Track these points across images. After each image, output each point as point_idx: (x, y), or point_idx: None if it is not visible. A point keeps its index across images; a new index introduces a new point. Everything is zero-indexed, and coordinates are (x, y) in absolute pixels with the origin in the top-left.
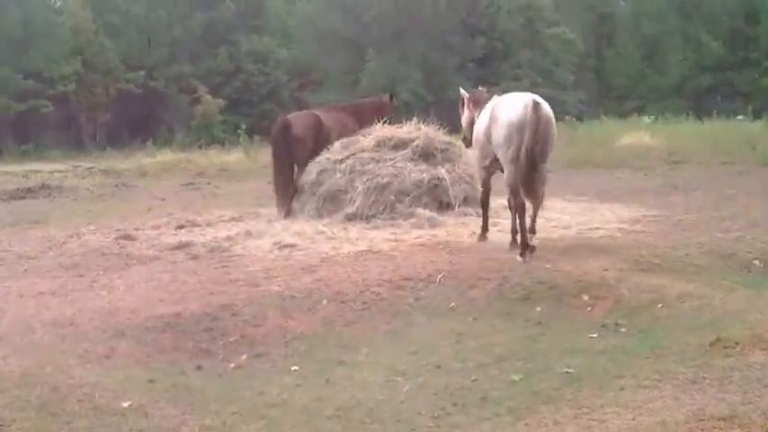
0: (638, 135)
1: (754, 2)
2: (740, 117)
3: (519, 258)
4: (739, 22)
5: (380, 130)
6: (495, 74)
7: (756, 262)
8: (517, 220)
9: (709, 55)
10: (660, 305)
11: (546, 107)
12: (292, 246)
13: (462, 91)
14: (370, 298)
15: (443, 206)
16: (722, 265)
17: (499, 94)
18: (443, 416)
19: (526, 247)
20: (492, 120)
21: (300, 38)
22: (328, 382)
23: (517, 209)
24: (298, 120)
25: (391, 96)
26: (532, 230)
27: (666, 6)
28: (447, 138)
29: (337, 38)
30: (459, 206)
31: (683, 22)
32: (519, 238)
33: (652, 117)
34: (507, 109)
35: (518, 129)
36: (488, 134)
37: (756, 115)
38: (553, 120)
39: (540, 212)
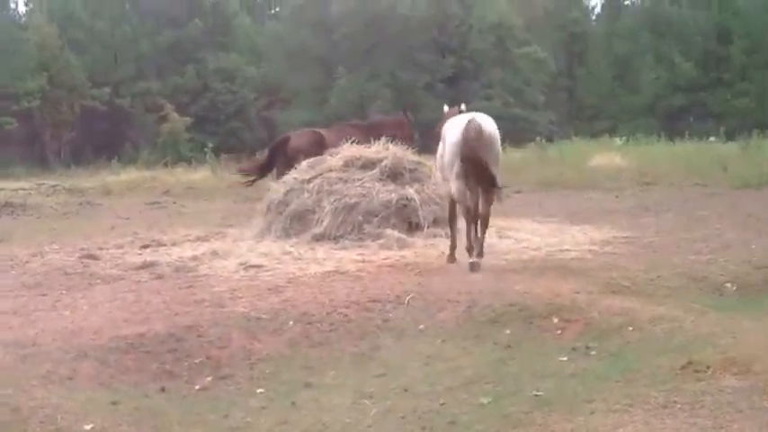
0: (609, 156)
1: (727, 22)
2: (712, 138)
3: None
4: (712, 42)
5: (348, 150)
6: (466, 93)
7: (729, 285)
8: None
9: (681, 75)
10: (631, 328)
11: (487, 127)
12: (259, 266)
13: (446, 108)
14: (337, 319)
15: (412, 227)
16: (694, 288)
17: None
18: None
19: (454, 250)
20: (443, 139)
21: (269, 55)
22: (294, 405)
23: (452, 219)
24: (298, 136)
25: (406, 113)
26: (480, 252)
27: (639, 26)
28: (416, 158)
29: (306, 55)
30: (428, 227)
31: (656, 41)
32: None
33: (623, 138)
34: (453, 129)
35: (462, 148)
36: (443, 154)
37: (729, 136)
38: (495, 138)
39: (509, 233)
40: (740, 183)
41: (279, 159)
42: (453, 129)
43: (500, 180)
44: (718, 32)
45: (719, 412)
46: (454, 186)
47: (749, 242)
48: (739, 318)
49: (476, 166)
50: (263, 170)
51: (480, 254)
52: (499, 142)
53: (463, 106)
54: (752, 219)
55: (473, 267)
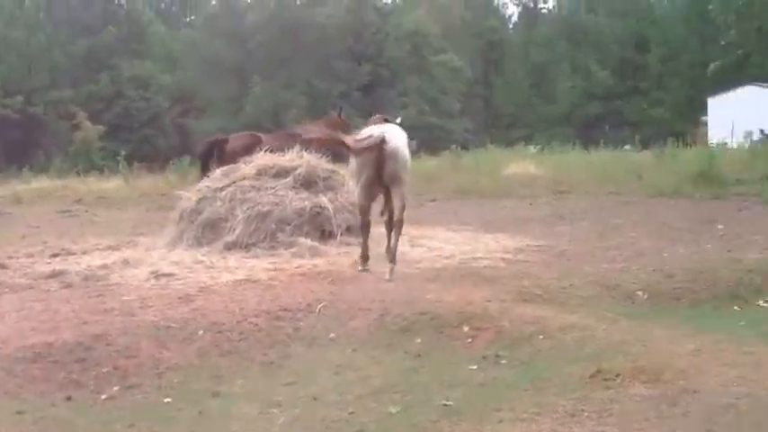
0: (524, 164)
1: (644, 31)
2: (627, 147)
3: (359, 268)
4: (629, 51)
5: (261, 158)
6: (382, 101)
7: (640, 293)
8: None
9: (597, 83)
10: (542, 336)
11: (394, 140)
12: (170, 275)
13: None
14: (247, 328)
15: (326, 235)
16: (606, 296)
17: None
18: None
19: (366, 259)
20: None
21: (184, 63)
22: (201, 415)
23: (363, 227)
24: (236, 139)
25: (340, 112)
26: (392, 259)
27: (555, 34)
28: (330, 166)
29: (221, 63)
30: (341, 235)
31: (573, 49)
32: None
33: (539, 146)
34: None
35: (364, 159)
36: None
37: (644, 145)
38: (400, 149)
39: (422, 242)
40: (654, 191)
41: (214, 161)
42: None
43: (405, 194)
44: (636, 41)
45: (627, 420)
46: (358, 197)
47: (662, 250)
48: (650, 326)
49: (380, 180)
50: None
51: (393, 260)
52: (407, 156)
53: (399, 119)
54: (665, 227)
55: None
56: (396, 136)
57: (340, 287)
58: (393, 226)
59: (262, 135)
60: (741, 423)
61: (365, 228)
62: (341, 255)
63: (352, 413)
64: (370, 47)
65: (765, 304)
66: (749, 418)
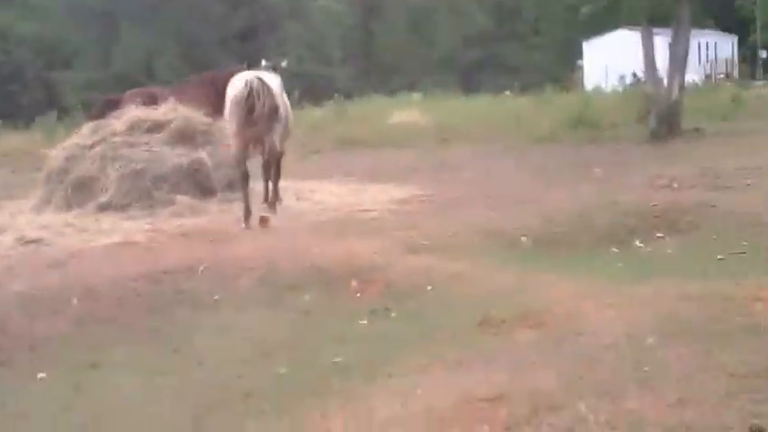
0: (408, 112)
1: None
2: (507, 92)
3: (242, 225)
4: None
5: (133, 112)
6: (260, 49)
7: (524, 239)
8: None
9: (475, 27)
10: (430, 287)
11: (266, 83)
12: (38, 240)
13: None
14: (125, 294)
15: (206, 192)
16: (491, 243)
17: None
18: (205, 415)
19: (249, 214)
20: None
21: (46, 11)
22: (78, 389)
23: (241, 179)
24: (130, 96)
25: (249, 65)
26: (272, 203)
27: None
28: (208, 119)
29: (87, 10)
30: (222, 191)
31: None
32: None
33: (421, 93)
34: (232, 87)
35: (237, 104)
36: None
37: (523, 90)
38: (273, 94)
39: (307, 195)
40: (534, 137)
41: None
42: (232, 87)
43: (280, 139)
44: None
45: (514, 366)
46: (232, 146)
47: (542, 196)
48: (534, 271)
49: (252, 125)
50: None
51: (273, 206)
52: (278, 101)
53: (284, 63)
54: (545, 172)
55: (262, 222)
56: (267, 81)
57: (222, 246)
58: (265, 171)
59: (158, 89)
60: (621, 362)
61: (243, 179)
62: (223, 212)
63: (239, 376)
64: None
65: (641, 245)
66: (629, 356)
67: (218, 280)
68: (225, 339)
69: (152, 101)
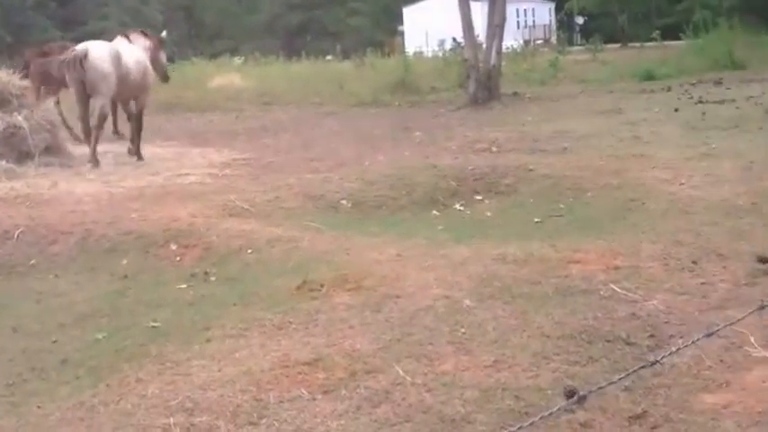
0: (229, 77)
1: None
2: (329, 57)
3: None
4: None
5: None
6: (81, 12)
7: (344, 202)
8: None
9: None
10: (250, 251)
11: (86, 53)
12: None
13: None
14: None
15: (23, 156)
16: (311, 207)
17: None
18: (19, 383)
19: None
20: None
21: None
22: None
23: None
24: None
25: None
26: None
27: None
28: (23, 82)
29: None
30: (39, 156)
31: None
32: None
33: (242, 58)
34: None
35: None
36: None
37: (345, 55)
38: (97, 62)
39: (126, 159)
40: (355, 101)
41: None
42: None
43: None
44: None
45: (332, 329)
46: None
47: (363, 159)
48: (354, 234)
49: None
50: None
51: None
52: (105, 69)
53: (163, 34)
54: (366, 136)
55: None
56: (95, 49)
57: (39, 211)
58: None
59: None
60: (438, 324)
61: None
62: (40, 176)
63: (54, 342)
64: None
65: (461, 207)
66: (446, 319)
67: (33, 245)
68: (40, 305)
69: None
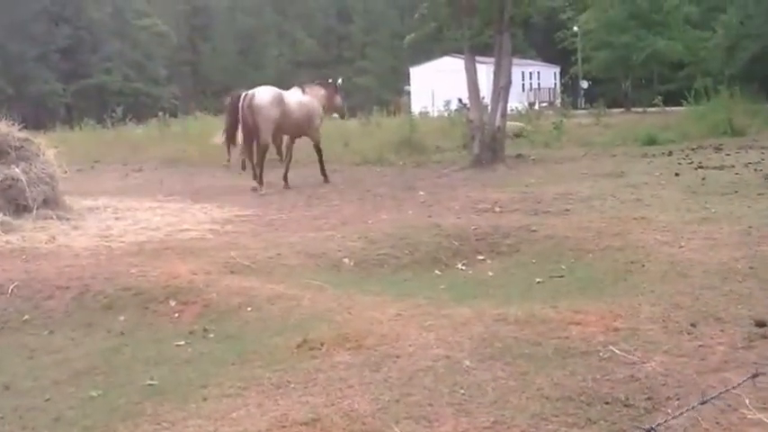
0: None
1: (347, 1)
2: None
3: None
4: (333, 20)
5: None
6: (84, 66)
7: (346, 260)
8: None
9: (304, 52)
10: (249, 308)
11: (251, 96)
12: None
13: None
14: None
15: (20, 209)
16: (312, 265)
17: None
18: None
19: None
20: None
21: None
22: None
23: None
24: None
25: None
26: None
27: (261, 1)
28: (23, 134)
29: None
30: (37, 209)
31: (279, 18)
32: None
33: None
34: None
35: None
36: None
37: (351, 113)
38: (253, 105)
39: (127, 214)
40: (360, 159)
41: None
42: None
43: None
44: (338, 11)
45: (331, 389)
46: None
47: (366, 217)
48: (355, 293)
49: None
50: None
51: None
52: (271, 108)
53: (340, 80)
54: (369, 194)
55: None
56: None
57: (35, 265)
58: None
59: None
60: (438, 384)
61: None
62: (37, 230)
63: (47, 400)
64: (67, 8)
65: (463, 267)
66: (446, 379)
67: (28, 300)
68: (33, 362)
69: None
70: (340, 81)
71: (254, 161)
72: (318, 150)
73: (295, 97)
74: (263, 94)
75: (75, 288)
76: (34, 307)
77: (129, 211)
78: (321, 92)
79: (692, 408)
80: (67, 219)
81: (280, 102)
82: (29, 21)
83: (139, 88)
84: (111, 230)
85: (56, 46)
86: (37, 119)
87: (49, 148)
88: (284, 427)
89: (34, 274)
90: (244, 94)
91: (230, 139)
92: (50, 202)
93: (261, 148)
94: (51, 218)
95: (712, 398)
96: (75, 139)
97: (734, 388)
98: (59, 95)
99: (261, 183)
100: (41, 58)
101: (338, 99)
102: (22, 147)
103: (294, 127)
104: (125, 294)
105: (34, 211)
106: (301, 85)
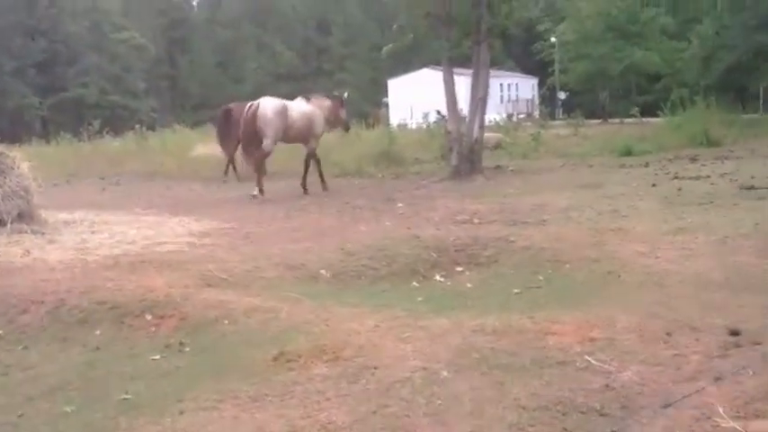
0: (211, 145)
1: (326, 14)
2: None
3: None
4: (311, 32)
5: None
6: (61, 79)
7: (323, 272)
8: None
9: (283, 64)
10: (226, 321)
11: (258, 105)
12: None
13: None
14: None
15: None
16: (290, 277)
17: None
18: None
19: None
20: None
21: None
22: None
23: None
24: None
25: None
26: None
27: (240, 14)
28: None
29: None
30: (11, 223)
31: (258, 30)
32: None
33: None
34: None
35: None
36: None
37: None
38: (257, 114)
39: (103, 227)
40: (339, 171)
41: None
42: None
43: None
44: (318, 23)
45: (308, 401)
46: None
47: (345, 229)
48: (332, 305)
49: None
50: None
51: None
52: (275, 117)
53: (345, 94)
54: (348, 206)
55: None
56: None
57: (9, 279)
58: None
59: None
60: (415, 395)
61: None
62: (11, 244)
63: (21, 416)
64: (43, 22)
65: (441, 278)
66: (423, 390)
67: (2, 315)
68: (7, 378)
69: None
70: (346, 95)
71: (254, 168)
72: (308, 161)
73: (298, 107)
74: (268, 104)
75: (51, 302)
76: (8, 322)
77: (106, 224)
78: (326, 103)
79: (654, 412)
80: (42, 233)
81: (283, 111)
82: (6, 35)
83: (116, 101)
84: (87, 244)
85: (32, 60)
86: (13, 133)
87: (23, 162)
88: None
89: (8, 288)
90: (249, 105)
91: (225, 149)
92: (25, 216)
93: (263, 155)
94: (26, 232)
95: (674, 402)
96: (51, 153)
97: (696, 393)
98: (36, 108)
99: (261, 189)
100: (17, 73)
101: (343, 113)
102: None
103: (295, 136)
104: (101, 308)
105: (8, 225)
106: (307, 96)
